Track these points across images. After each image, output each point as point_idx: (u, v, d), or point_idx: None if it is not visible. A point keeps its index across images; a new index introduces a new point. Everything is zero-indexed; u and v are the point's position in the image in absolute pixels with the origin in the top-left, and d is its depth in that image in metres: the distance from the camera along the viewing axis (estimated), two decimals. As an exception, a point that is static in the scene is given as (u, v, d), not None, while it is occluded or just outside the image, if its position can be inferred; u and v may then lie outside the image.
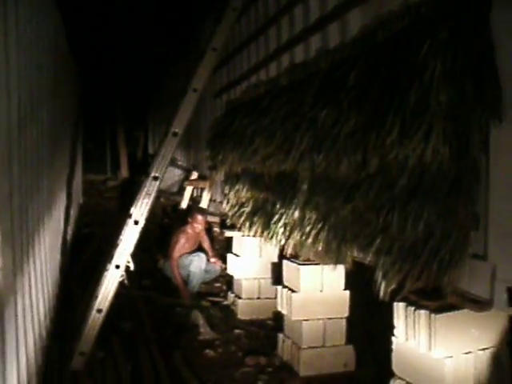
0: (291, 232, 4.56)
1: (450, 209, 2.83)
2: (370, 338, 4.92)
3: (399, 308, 3.26)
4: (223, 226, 7.42)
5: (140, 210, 4.56)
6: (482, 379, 3.11)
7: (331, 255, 3.98)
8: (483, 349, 3.11)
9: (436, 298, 3.07)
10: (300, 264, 4.73)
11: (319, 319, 4.71)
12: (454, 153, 2.77)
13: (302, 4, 4.92)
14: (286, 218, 4.65)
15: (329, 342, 4.73)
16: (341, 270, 4.59)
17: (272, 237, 4.92)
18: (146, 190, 4.57)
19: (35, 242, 4.22)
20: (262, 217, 5.20)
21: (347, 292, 4.79)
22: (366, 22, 3.79)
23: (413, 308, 3.14)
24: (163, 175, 4.60)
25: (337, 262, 3.98)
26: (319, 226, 4.08)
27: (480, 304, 2.87)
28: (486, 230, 2.81)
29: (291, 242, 4.62)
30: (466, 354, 3.08)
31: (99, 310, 4.65)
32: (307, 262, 4.72)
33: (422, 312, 3.07)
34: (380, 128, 3.12)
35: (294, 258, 4.89)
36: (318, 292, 4.71)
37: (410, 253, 3.06)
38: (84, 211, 12.20)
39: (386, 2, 3.55)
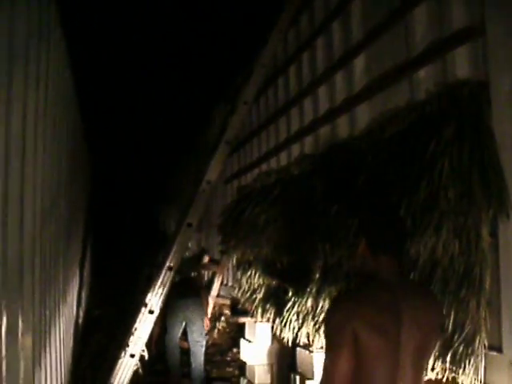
0: (304, 320, 4.59)
1: (462, 301, 2.89)
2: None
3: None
4: (234, 310, 7.43)
5: (155, 300, 4.61)
6: None
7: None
8: None
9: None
10: (313, 352, 4.73)
11: (333, 407, 4.68)
12: (463, 247, 2.86)
13: (312, 96, 5.12)
14: (298, 306, 4.69)
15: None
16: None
17: (285, 324, 4.95)
18: (161, 280, 4.64)
19: (51, 331, 4.26)
20: (275, 304, 5.23)
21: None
22: (373, 116, 3.96)
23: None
24: (177, 266, 4.68)
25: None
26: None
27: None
28: (499, 322, 2.85)
29: (304, 329, 4.65)
30: None
31: (114, 400, 4.64)
32: (320, 349, 4.73)
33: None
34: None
35: (307, 345, 4.89)
36: (332, 380, 4.68)
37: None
38: (94, 292, 12.20)
39: (392, 98, 3.73)
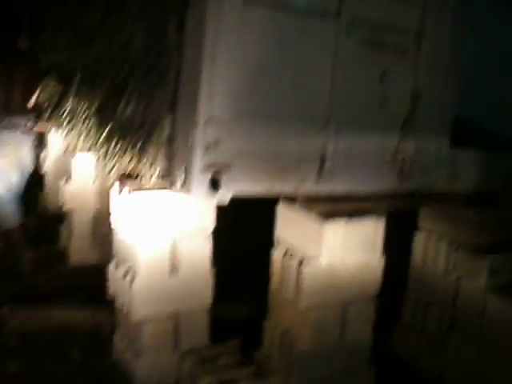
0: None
1: (147, 95, 2.95)
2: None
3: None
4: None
5: None
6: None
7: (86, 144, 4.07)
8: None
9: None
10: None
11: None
12: (150, 37, 2.88)
13: None
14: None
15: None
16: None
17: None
18: None
19: None
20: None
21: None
22: None
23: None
24: None
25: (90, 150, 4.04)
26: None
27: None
28: (175, 116, 2.93)
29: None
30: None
31: None
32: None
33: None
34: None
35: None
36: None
37: (125, 137, 3.20)
38: None
39: None
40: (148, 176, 3.04)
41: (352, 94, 3.13)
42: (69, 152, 4.95)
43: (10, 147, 5.02)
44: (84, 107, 4.14)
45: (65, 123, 4.77)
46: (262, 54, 2.83)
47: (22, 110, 5.00)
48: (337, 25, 3.02)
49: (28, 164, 5.40)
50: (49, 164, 6.14)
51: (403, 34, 3.29)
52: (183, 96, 2.84)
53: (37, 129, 6.73)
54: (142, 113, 3.02)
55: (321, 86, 3.02)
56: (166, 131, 2.93)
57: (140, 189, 3.12)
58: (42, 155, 6.43)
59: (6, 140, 4.93)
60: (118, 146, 3.30)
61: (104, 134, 3.48)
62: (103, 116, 3.62)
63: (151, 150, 2.98)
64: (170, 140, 2.94)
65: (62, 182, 4.96)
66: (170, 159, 2.97)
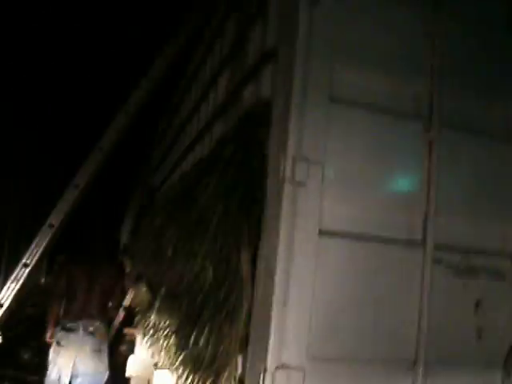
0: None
1: (219, 330, 2.80)
2: None
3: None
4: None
5: (5, 294, 4.56)
6: None
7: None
8: None
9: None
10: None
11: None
12: (221, 273, 2.77)
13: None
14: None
15: None
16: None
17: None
18: (15, 275, 4.60)
19: None
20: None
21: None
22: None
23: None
24: (34, 263, 4.64)
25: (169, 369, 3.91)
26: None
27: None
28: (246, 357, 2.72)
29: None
30: None
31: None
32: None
33: None
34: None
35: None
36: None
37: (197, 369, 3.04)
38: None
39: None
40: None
41: (443, 328, 2.83)
42: (151, 363, 4.83)
43: (65, 348, 5.21)
44: (164, 324, 4.07)
45: (148, 334, 4.73)
46: (340, 289, 2.63)
47: (99, 315, 5.21)
48: (422, 252, 2.81)
49: (91, 366, 5.38)
50: (133, 369, 6.05)
51: (498, 258, 3.04)
52: (253, 337, 2.65)
53: (127, 333, 6.77)
54: (213, 347, 2.84)
55: (406, 322, 2.76)
56: (236, 373, 2.72)
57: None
58: (129, 360, 6.36)
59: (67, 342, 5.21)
60: (191, 376, 3.13)
61: (179, 360, 3.32)
62: (180, 339, 3.49)
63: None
64: (240, 382, 2.72)
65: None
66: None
